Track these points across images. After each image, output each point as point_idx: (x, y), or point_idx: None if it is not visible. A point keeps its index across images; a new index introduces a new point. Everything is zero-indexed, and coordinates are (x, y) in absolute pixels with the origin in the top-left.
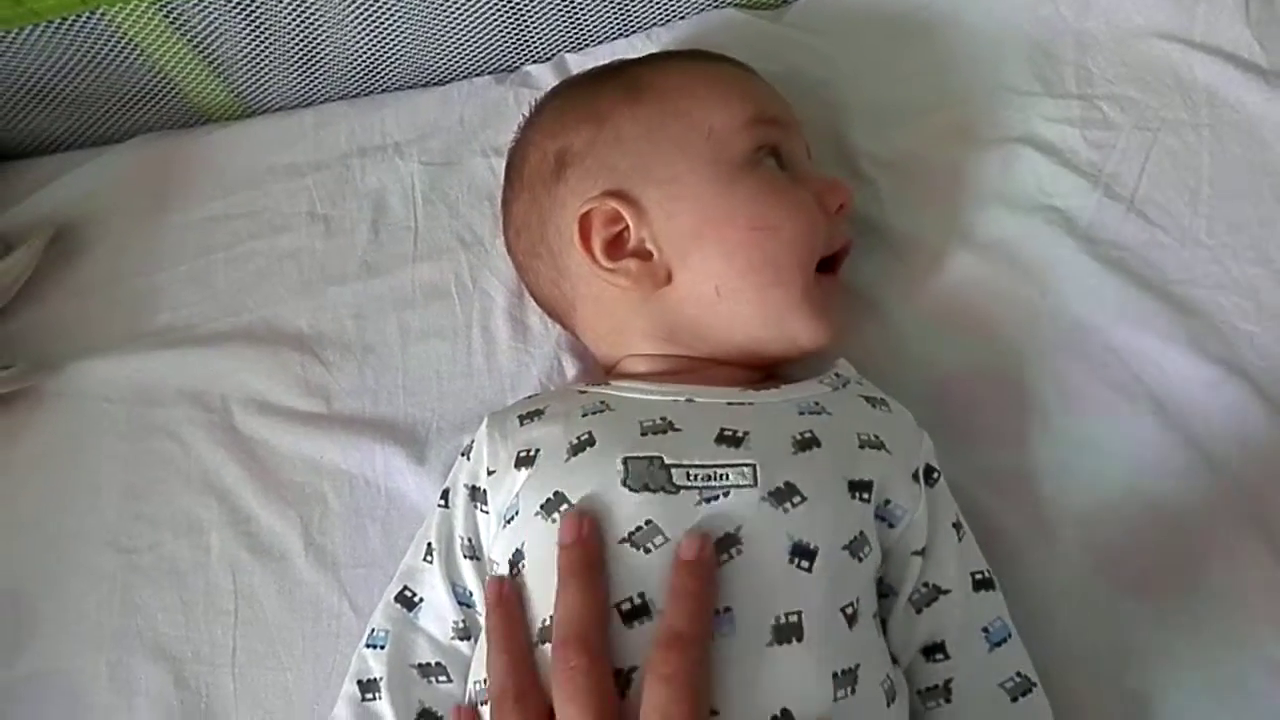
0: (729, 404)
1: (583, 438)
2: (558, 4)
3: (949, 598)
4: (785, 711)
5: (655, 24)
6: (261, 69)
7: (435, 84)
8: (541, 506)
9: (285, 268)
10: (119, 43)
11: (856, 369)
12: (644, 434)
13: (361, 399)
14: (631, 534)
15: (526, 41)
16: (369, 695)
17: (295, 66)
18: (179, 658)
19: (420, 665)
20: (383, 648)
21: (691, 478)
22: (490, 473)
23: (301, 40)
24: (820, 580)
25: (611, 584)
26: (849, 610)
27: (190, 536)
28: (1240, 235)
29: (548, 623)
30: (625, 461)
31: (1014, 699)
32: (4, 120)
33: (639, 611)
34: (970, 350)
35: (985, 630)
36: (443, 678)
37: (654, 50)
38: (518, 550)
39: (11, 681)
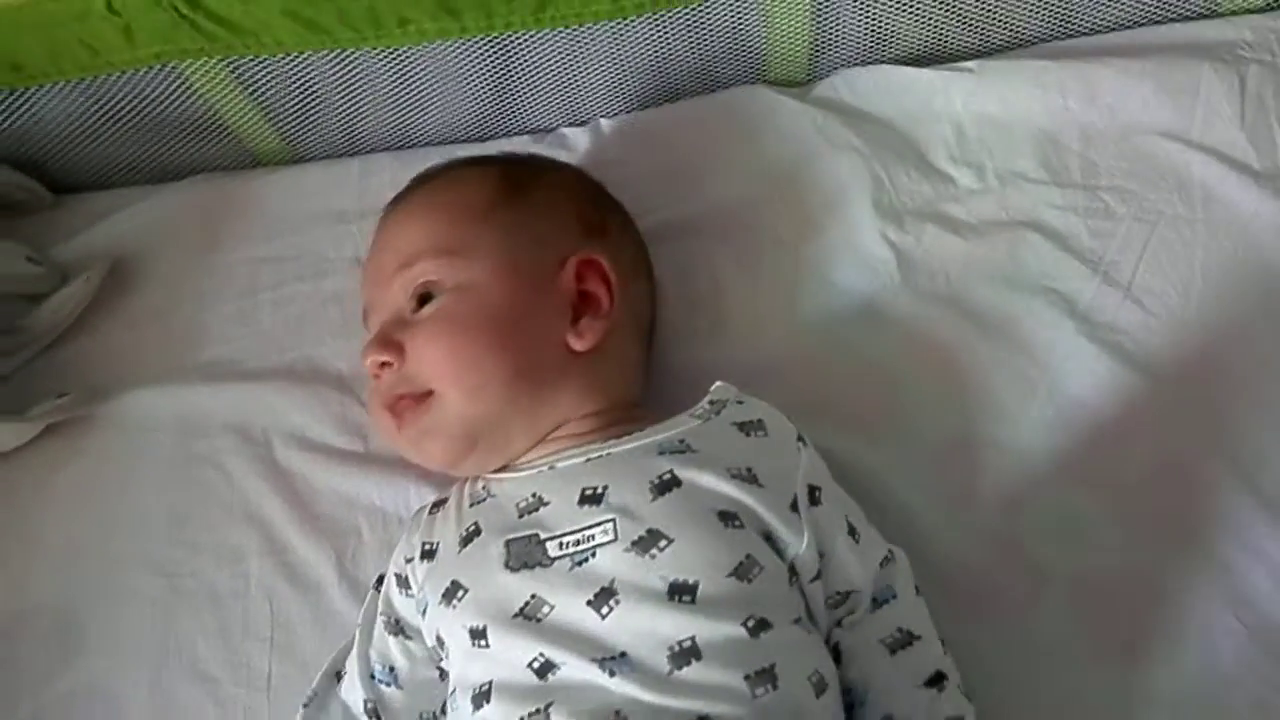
0: (587, 460)
1: (470, 529)
2: (600, 69)
3: (857, 594)
4: (704, 717)
5: (689, 94)
6: (310, 119)
7: (475, 140)
8: (443, 595)
9: (328, 310)
10: (184, 91)
11: (867, 437)
12: (520, 515)
13: None
14: (522, 609)
15: (564, 104)
16: None
17: (341, 118)
18: (217, 680)
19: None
20: (307, 706)
21: (564, 546)
22: (408, 560)
23: (345, 94)
24: (706, 608)
25: (517, 652)
26: (750, 623)
27: (230, 564)
28: (1225, 327)
29: (476, 690)
30: (507, 545)
31: (892, 651)
32: (64, 155)
33: (547, 668)
34: (973, 420)
35: (873, 598)
36: None
37: (680, 122)
38: (439, 637)
39: (58, 696)
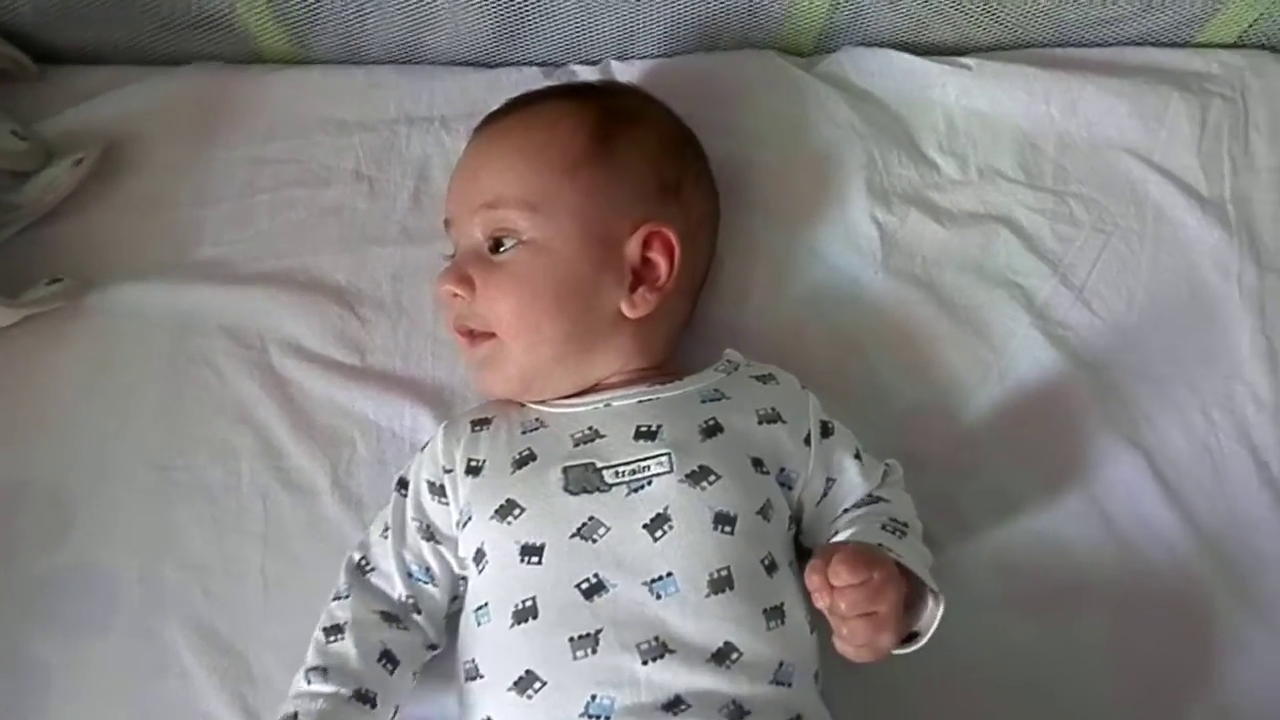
0: (640, 402)
1: (524, 453)
2: (615, 10)
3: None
4: (728, 643)
5: (700, 48)
6: (319, 19)
7: (485, 65)
8: (496, 512)
9: (327, 221)
10: None
11: (839, 398)
12: (576, 445)
13: (393, 357)
14: (579, 529)
15: (577, 41)
16: (333, 638)
17: (350, 23)
18: (209, 569)
19: (382, 612)
20: (347, 598)
21: (619, 475)
22: (447, 471)
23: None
24: (741, 540)
25: (570, 570)
26: (766, 562)
27: (224, 462)
28: (1158, 336)
29: (519, 606)
30: (565, 471)
31: (889, 530)
32: (52, 25)
33: (596, 588)
34: (932, 393)
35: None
36: (400, 625)
37: (689, 76)
38: (479, 550)
39: (55, 566)
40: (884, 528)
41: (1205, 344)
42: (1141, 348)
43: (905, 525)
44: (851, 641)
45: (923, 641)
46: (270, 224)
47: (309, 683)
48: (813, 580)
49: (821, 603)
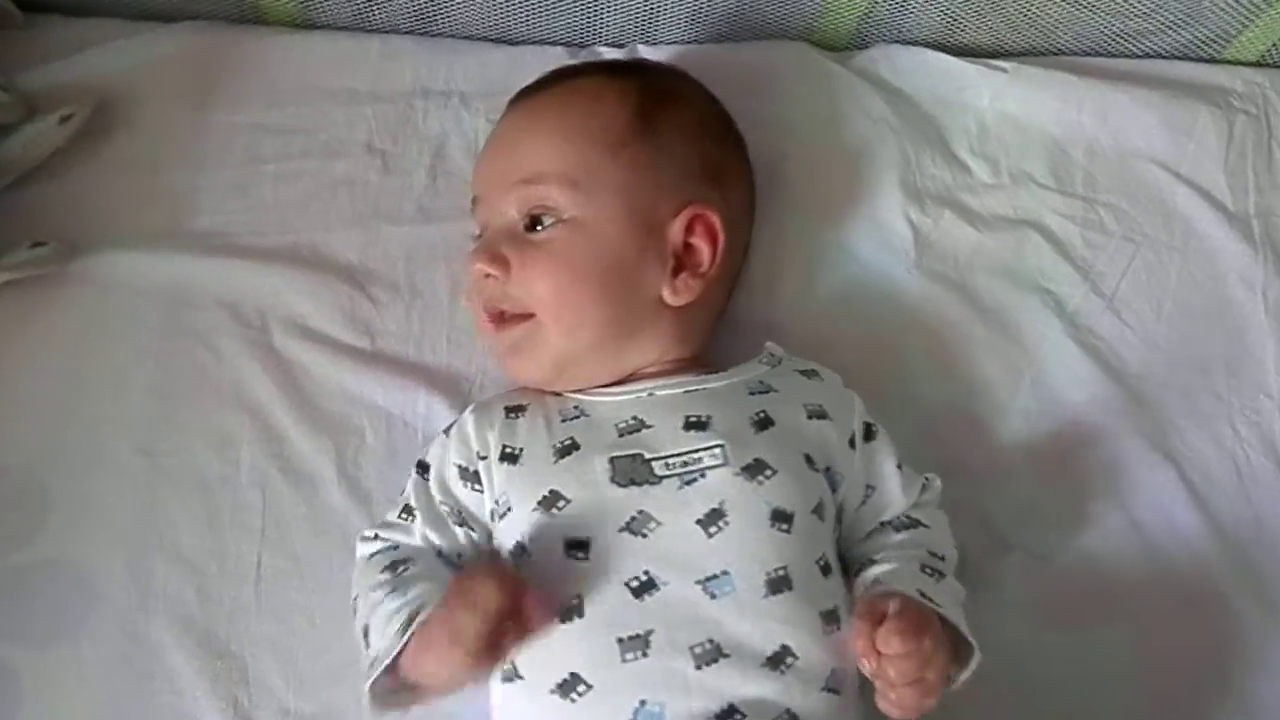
0: (686, 392)
1: (566, 442)
2: None
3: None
4: (785, 646)
5: (732, 37)
6: None
7: (506, 41)
8: (539, 503)
9: (338, 195)
10: None
11: (869, 398)
12: (621, 435)
13: (406, 342)
14: (628, 523)
15: (598, 21)
16: (404, 567)
17: None
18: (201, 567)
19: (438, 551)
20: (396, 547)
21: (670, 466)
22: (481, 457)
23: None
24: (799, 538)
25: (619, 566)
26: (821, 563)
27: (220, 449)
28: (1187, 347)
29: (564, 605)
30: (611, 461)
31: (929, 573)
32: None
33: (646, 586)
34: (963, 398)
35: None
36: (455, 568)
37: (719, 64)
38: (519, 543)
39: (26, 563)
40: (923, 568)
41: (1232, 356)
42: (1170, 358)
43: (942, 560)
44: (899, 706)
45: (953, 688)
46: (274, 195)
47: (395, 600)
48: (859, 644)
49: (868, 668)
